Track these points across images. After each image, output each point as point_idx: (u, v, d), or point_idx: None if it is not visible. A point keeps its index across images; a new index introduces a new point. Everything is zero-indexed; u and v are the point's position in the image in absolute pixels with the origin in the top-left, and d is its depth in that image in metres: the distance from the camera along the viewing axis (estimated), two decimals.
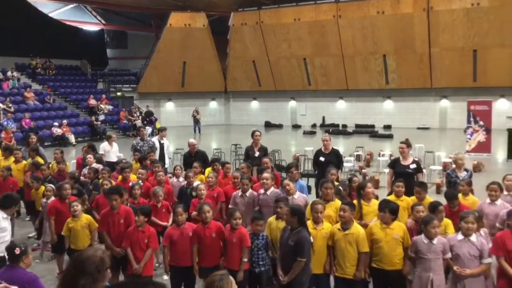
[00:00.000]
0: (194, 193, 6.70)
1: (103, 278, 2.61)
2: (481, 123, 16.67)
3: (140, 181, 7.19)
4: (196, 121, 27.09)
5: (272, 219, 5.51)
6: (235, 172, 7.22)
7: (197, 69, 29.19)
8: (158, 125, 23.02)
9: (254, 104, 31.64)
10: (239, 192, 6.47)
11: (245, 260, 5.03)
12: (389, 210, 5.02)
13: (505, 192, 6.02)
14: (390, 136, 22.56)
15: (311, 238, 4.87)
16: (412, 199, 6.05)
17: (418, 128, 25.37)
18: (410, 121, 25.87)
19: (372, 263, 5.11)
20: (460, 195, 6.05)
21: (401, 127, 25.44)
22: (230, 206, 6.38)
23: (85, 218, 5.99)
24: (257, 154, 8.82)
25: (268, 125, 29.94)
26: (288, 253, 4.82)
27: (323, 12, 25.30)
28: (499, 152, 16.79)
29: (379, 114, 27.09)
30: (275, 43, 27.41)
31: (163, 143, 10.68)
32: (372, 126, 26.59)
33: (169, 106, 31.21)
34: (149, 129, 21.88)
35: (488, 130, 16.61)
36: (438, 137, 22.82)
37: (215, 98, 31.83)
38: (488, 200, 5.86)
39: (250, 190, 6.45)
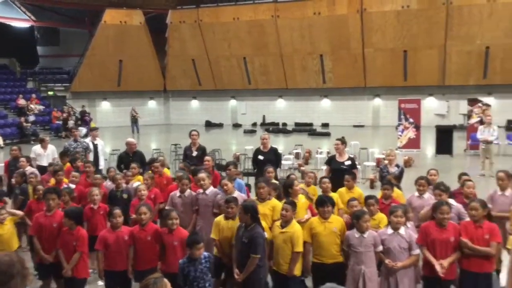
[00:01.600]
0: (125, 195, 6.51)
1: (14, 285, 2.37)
2: (411, 120, 17.53)
3: (71, 185, 6.87)
4: (134, 121, 26.42)
5: (220, 218, 5.44)
6: (178, 173, 7.11)
7: (134, 68, 28.48)
8: (93, 125, 22.22)
9: (194, 103, 31.36)
10: (177, 193, 6.36)
11: None
12: (330, 204, 5.23)
13: (431, 186, 6.36)
14: (327, 134, 23.18)
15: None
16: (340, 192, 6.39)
17: (354, 126, 26.25)
18: (346, 119, 26.71)
19: (312, 257, 5.24)
20: (395, 189, 6.39)
21: (338, 125, 26.22)
22: (167, 207, 6.26)
23: (8, 221, 5.65)
24: (194, 153, 8.74)
25: (209, 125, 29.79)
26: (242, 250, 4.80)
27: (262, 12, 25.53)
28: (428, 148, 17.72)
29: (317, 112, 27.75)
30: (215, 42, 27.31)
31: (97, 144, 10.30)
32: (311, 125, 27.20)
33: (105, 105, 30.21)
34: (83, 130, 21.06)
35: (417, 127, 17.49)
36: (372, 134, 23.73)
37: (153, 97, 31.20)
38: (416, 194, 6.17)
39: (189, 190, 6.36)
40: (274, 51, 26.27)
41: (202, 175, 6.30)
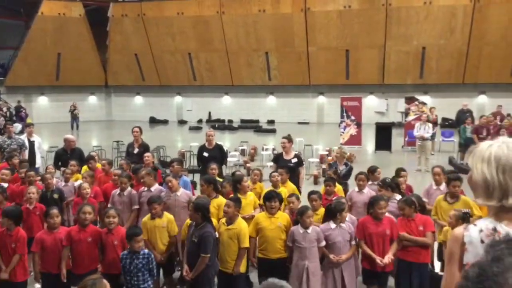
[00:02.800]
0: (56, 195, 6.24)
1: None
2: (353, 118, 18.06)
3: (3, 184, 6.49)
4: (74, 117, 25.39)
5: (146, 219, 5.37)
6: (115, 170, 6.91)
7: (74, 62, 27.36)
8: (29, 121, 21.13)
9: (138, 99, 30.62)
10: (117, 191, 6.21)
11: None
12: (278, 200, 5.34)
13: (369, 182, 6.60)
14: (273, 131, 23.42)
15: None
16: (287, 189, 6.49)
17: (299, 123, 26.68)
18: (291, 116, 27.09)
19: (258, 252, 5.30)
20: (337, 184, 6.59)
21: (284, 122, 26.54)
22: (109, 205, 6.09)
23: None
24: (136, 151, 8.53)
25: (153, 121, 29.21)
26: (192, 249, 4.76)
27: (207, 7, 25.32)
28: (369, 144, 18.34)
29: (263, 109, 27.95)
30: (159, 37, 26.78)
31: (33, 141, 9.81)
32: (257, 121, 27.36)
33: (42, 100, 28.84)
34: (18, 126, 20.00)
35: (358, 124, 18.05)
36: (316, 131, 24.23)
37: (94, 93, 30.15)
38: (356, 189, 6.39)
39: (129, 188, 6.22)
40: (219, 47, 26.15)
41: (145, 172, 6.22)
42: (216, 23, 25.38)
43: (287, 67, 25.75)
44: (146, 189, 6.18)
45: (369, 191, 6.22)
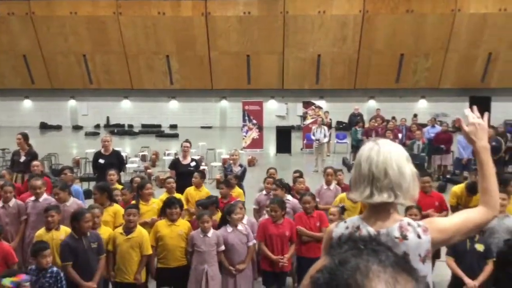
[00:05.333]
0: None
1: None
2: (254, 121, 18.43)
3: None
4: None
5: (42, 232, 4.98)
6: None
7: None
8: None
9: (27, 103, 28.32)
10: (0, 203, 5.66)
11: None
12: (179, 206, 5.32)
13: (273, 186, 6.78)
14: (176, 135, 23.07)
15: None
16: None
17: (202, 127, 26.58)
18: (194, 120, 26.88)
19: (157, 262, 5.16)
20: (237, 188, 6.67)
21: (186, 126, 26.24)
22: None
23: None
24: (22, 159, 7.88)
25: (44, 127, 27.19)
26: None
27: (102, 8, 24.21)
28: (270, 148, 18.81)
29: (165, 114, 27.38)
30: (49, 37, 25.03)
31: None
32: (159, 126, 26.75)
33: None
34: None
35: (260, 128, 18.46)
36: (219, 135, 24.33)
37: None
38: (264, 192, 6.57)
39: (14, 200, 5.70)
40: (117, 49, 25.14)
41: (38, 182, 5.77)
42: (113, 24, 24.37)
43: (189, 71, 25.53)
44: (34, 199, 5.74)
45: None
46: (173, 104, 27.68)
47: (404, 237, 1.83)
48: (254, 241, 5.01)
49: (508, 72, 24.22)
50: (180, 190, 6.57)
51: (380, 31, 23.58)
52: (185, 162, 7.73)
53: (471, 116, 2.05)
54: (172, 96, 27.30)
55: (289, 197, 6.18)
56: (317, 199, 6.32)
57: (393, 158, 1.81)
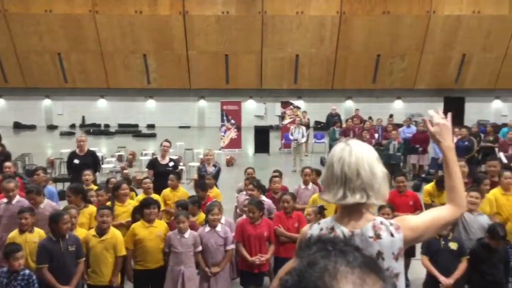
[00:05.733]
0: None
1: None
2: (233, 121, 18.40)
3: None
4: None
5: (15, 234, 4.86)
6: None
7: None
8: None
9: (0, 102, 27.66)
10: None
11: None
12: (157, 206, 5.27)
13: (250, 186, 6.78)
14: (153, 135, 22.86)
15: None
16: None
17: (180, 127, 26.41)
18: (172, 120, 26.66)
19: (135, 264, 5.10)
20: (214, 188, 6.64)
21: (164, 126, 26.03)
22: None
23: None
24: None
25: (18, 126, 26.57)
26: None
27: (78, 6, 23.80)
28: (249, 147, 18.81)
29: (142, 113, 27.09)
30: (24, 35, 24.47)
31: None
32: (136, 126, 26.45)
33: None
34: None
35: (238, 128, 18.44)
36: (197, 135, 24.21)
37: None
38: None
39: None
40: (93, 48, 24.75)
41: (10, 184, 5.63)
42: (88, 22, 23.98)
43: (167, 70, 25.32)
44: (6, 200, 5.61)
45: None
46: (151, 103, 27.42)
47: (378, 236, 1.86)
48: (233, 245, 4.99)
49: (481, 74, 24.80)
50: (158, 190, 6.51)
51: (357, 32, 23.83)
52: (163, 162, 7.67)
53: (436, 117, 2.10)
54: (149, 95, 27.03)
55: (263, 197, 6.19)
56: None
57: (364, 158, 1.84)
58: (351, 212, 1.89)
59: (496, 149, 11.57)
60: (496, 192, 5.99)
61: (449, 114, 2.14)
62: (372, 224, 1.89)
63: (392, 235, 1.87)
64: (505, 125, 16.44)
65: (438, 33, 23.53)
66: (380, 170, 1.88)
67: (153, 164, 7.78)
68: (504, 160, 10.19)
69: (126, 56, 25.18)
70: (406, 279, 6.19)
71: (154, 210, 5.07)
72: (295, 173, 13.69)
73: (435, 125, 2.11)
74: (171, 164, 7.66)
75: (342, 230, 1.89)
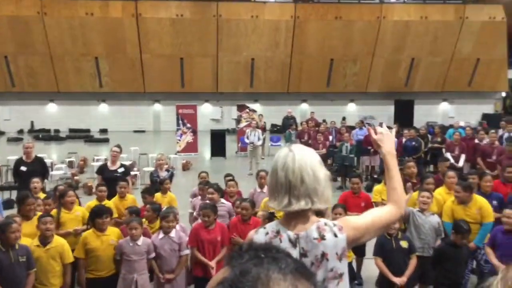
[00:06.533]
0: None
1: None
2: (189, 125, 18.22)
3: None
4: None
5: None
6: None
7: None
8: None
9: None
10: None
11: None
12: (109, 214, 5.12)
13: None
14: (106, 140, 22.28)
15: None
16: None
17: (134, 131, 25.91)
18: (126, 124, 26.11)
19: (87, 273, 4.95)
20: (159, 194, 6.58)
21: (118, 130, 25.45)
22: None
23: None
24: None
25: None
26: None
27: (25, 7, 22.92)
28: (205, 151, 18.69)
29: (94, 118, 26.36)
30: None
31: None
32: (88, 131, 25.70)
33: None
34: None
35: (194, 132, 18.29)
36: (153, 140, 23.82)
37: None
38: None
39: None
40: (41, 51, 23.88)
41: None
42: (37, 24, 23.12)
43: (120, 74, 24.77)
44: None
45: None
46: (103, 107, 26.74)
47: (322, 237, 1.89)
48: (187, 251, 4.92)
49: (429, 77, 25.81)
50: (107, 196, 6.34)
51: (311, 36, 24.23)
52: (112, 167, 7.47)
53: (380, 129, 2.25)
54: (102, 99, 26.36)
55: (223, 200, 6.17)
56: None
57: (308, 164, 1.86)
58: (296, 216, 1.91)
59: (444, 150, 12.02)
60: (441, 191, 6.23)
61: (394, 129, 2.30)
62: (316, 226, 1.92)
63: (335, 235, 1.91)
64: (451, 126, 17.16)
65: (388, 38, 24.30)
66: (323, 173, 1.91)
67: (102, 169, 7.56)
68: (451, 160, 10.62)
69: (76, 59, 24.43)
70: (360, 277, 6.32)
71: (106, 219, 4.94)
72: (251, 176, 13.73)
73: (378, 134, 2.24)
74: (121, 170, 7.47)
75: (288, 234, 1.90)
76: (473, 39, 24.54)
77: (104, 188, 6.28)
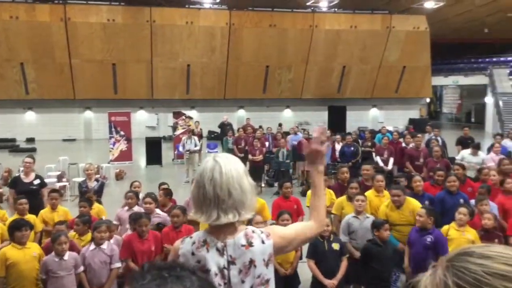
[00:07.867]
0: None
1: None
2: (122, 133, 17.70)
3: None
4: None
5: None
6: None
7: None
8: None
9: None
10: None
11: None
12: (29, 227, 4.89)
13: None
14: (33, 150, 21.07)
15: None
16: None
17: (64, 140, 24.78)
18: (55, 133, 24.89)
19: None
20: (96, 204, 6.33)
21: (46, 139, 24.21)
22: None
23: None
24: None
25: None
26: None
27: None
28: (141, 159, 18.23)
29: (20, 126, 24.90)
30: None
31: None
32: (13, 140, 24.22)
33: None
34: None
35: (128, 140, 17.78)
36: (84, 148, 22.90)
37: None
38: (126, 208, 6.34)
39: None
40: None
41: None
42: None
43: (48, 80, 23.60)
44: None
45: (139, 209, 6.17)
46: (30, 115, 25.34)
47: (250, 244, 1.90)
48: (118, 264, 4.75)
49: (359, 84, 26.90)
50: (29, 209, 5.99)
51: (246, 43, 24.45)
52: (26, 180, 7.07)
53: (315, 145, 2.17)
54: (28, 106, 24.98)
55: (158, 210, 6.04)
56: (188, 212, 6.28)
57: (234, 176, 1.87)
58: (223, 226, 1.90)
59: (373, 154, 12.51)
60: (370, 194, 6.49)
61: (325, 144, 2.19)
62: (244, 233, 1.93)
63: (263, 242, 1.93)
64: (380, 131, 17.91)
65: (320, 46, 25.06)
66: (248, 183, 1.93)
67: (14, 182, 7.12)
68: (380, 164, 11.08)
69: (1, 65, 23.00)
70: (298, 282, 6.41)
71: (26, 232, 4.68)
72: (188, 184, 13.56)
73: (313, 149, 2.17)
74: (37, 182, 7.11)
75: (215, 243, 1.89)
76: (399, 47, 25.91)
77: (24, 200, 5.92)
